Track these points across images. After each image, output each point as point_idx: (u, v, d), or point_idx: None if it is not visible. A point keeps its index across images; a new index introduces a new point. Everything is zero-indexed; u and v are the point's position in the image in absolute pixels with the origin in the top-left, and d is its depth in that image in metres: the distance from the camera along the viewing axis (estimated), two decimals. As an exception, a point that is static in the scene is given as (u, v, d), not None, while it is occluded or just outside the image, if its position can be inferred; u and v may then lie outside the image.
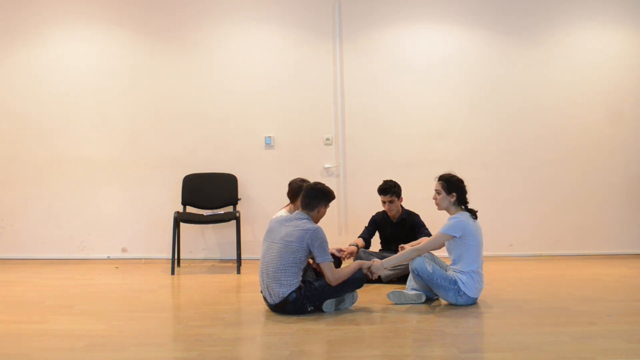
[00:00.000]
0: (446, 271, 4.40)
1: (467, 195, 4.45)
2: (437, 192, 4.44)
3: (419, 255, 4.40)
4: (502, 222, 6.39)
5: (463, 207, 4.43)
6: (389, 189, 5.30)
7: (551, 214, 6.44)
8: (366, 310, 4.33)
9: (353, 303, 4.36)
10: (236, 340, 3.66)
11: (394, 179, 5.36)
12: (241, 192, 6.27)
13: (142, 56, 6.44)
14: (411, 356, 3.37)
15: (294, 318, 4.07)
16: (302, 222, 4.19)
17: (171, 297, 5.06)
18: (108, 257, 6.40)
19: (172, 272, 5.67)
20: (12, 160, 6.44)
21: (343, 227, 6.24)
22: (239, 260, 5.78)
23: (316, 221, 4.28)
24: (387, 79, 6.35)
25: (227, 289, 5.10)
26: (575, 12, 6.46)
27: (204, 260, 6.40)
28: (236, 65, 6.42)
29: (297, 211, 4.34)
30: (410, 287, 4.53)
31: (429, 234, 5.14)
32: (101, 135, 6.42)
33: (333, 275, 4.15)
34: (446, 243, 4.42)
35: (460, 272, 4.34)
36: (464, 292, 4.31)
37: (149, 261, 6.29)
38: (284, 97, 6.41)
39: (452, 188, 4.39)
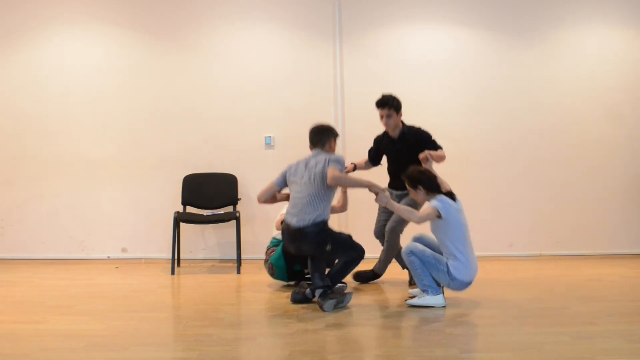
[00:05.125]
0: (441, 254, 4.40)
1: (441, 181, 4.48)
2: (408, 190, 4.54)
3: (412, 219, 4.39)
4: (502, 222, 6.39)
5: (438, 193, 4.40)
6: (387, 102, 4.95)
7: (551, 214, 6.44)
8: (366, 310, 4.33)
9: (349, 301, 4.40)
10: (236, 340, 3.66)
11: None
12: (241, 192, 6.27)
13: (142, 56, 6.44)
14: (411, 356, 3.37)
15: (293, 318, 4.08)
16: (323, 155, 4.48)
17: (171, 297, 5.06)
18: (108, 257, 6.40)
19: (172, 272, 5.67)
20: (12, 160, 6.44)
21: (343, 226, 6.24)
22: (239, 260, 5.78)
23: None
24: (387, 78, 6.35)
25: (227, 289, 5.10)
26: (576, 12, 6.46)
27: (204, 260, 6.40)
28: (236, 65, 6.42)
29: (312, 152, 4.58)
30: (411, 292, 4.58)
31: (437, 146, 4.94)
32: (101, 135, 6.42)
33: (335, 174, 4.29)
34: (432, 228, 4.40)
35: (450, 256, 4.33)
36: (455, 277, 4.29)
37: (149, 261, 6.30)
38: (284, 96, 6.41)
39: (415, 183, 4.42)
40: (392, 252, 5.06)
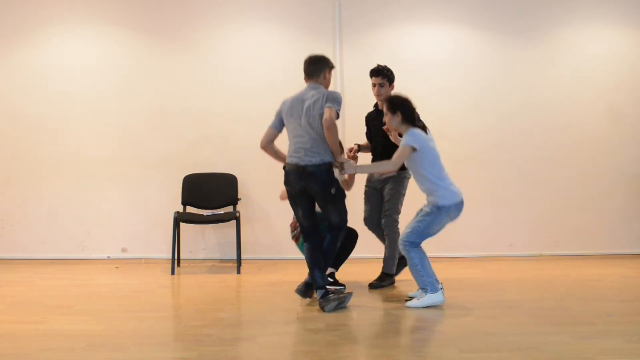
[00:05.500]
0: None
1: (417, 113, 4.44)
2: (385, 114, 4.46)
3: (389, 168, 4.42)
4: (502, 222, 6.39)
5: (412, 125, 4.40)
6: (381, 71, 5.01)
7: (551, 214, 6.44)
8: (366, 310, 4.33)
9: (349, 301, 4.39)
10: (236, 340, 3.66)
11: None
12: (241, 192, 6.27)
13: (142, 56, 6.44)
14: (411, 356, 3.37)
15: (293, 318, 4.08)
16: (318, 90, 4.38)
17: (171, 297, 5.06)
18: (108, 257, 6.40)
19: (172, 272, 5.67)
20: (12, 160, 6.43)
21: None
22: (239, 260, 5.78)
23: (327, 87, 4.48)
24: (387, 79, 6.34)
25: (227, 289, 5.10)
26: (576, 12, 6.46)
27: (204, 260, 6.39)
28: (236, 65, 6.42)
29: (307, 85, 4.49)
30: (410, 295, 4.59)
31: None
32: (101, 135, 6.42)
33: (331, 116, 4.17)
34: (410, 165, 4.40)
35: (431, 190, 4.33)
36: (447, 205, 4.31)
37: (149, 261, 6.29)
38: (283, 96, 6.37)
39: (395, 107, 4.39)
40: (395, 245, 4.96)
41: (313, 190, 4.35)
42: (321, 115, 4.26)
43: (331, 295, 4.30)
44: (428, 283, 4.35)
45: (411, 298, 4.51)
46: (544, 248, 6.43)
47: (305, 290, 4.49)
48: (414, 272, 4.39)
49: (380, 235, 5.11)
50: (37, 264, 6.16)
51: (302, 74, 6.61)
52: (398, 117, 4.39)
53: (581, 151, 6.45)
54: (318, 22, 6.41)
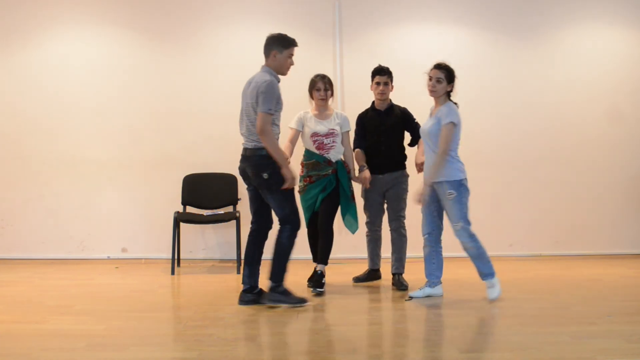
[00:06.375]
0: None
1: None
2: (438, 80, 4.46)
3: (446, 157, 4.41)
4: (501, 222, 6.38)
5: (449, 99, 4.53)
6: (386, 70, 5.04)
7: (551, 213, 6.44)
8: (366, 310, 4.33)
9: (297, 305, 4.32)
10: (236, 340, 3.66)
11: None
12: (241, 192, 6.26)
13: (143, 56, 6.44)
14: (411, 356, 3.37)
15: (294, 318, 4.08)
16: (259, 75, 4.32)
17: (171, 297, 5.06)
18: (108, 257, 6.40)
19: (172, 272, 5.67)
20: (12, 160, 6.44)
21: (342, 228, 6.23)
22: (239, 260, 5.78)
23: (278, 70, 4.37)
24: (387, 79, 6.35)
25: (227, 289, 5.09)
26: (576, 12, 6.47)
27: (204, 260, 6.39)
28: (236, 65, 6.39)
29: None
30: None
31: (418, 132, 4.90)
32: (101, 135, 6.42)
33: (261, 126, 4.15)
34: (432, 140, 4.46)
35: (450, 164, 4.41)
36: (463, 178, 4.40)
37: (149, 261, 6.29)
38: (283, 96, 6.38)
39: (452, 78, 4.49)
40: (405, 244, 5.02)
41: (250, 174, 4.38)
42: (253, 107, 4.27)
43: (278, 290, 4.32)
44: (491, 268, 4.45)
45: (411, 298, 4.51)
46: (544, 248, 6.43)
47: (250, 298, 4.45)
48: (482, 259, 4.44)
49: (379, 238, 5.14)
50: (37, 264, 6.16)
51: (301, 74, 6.63)
52: (449, 88, 4.46)
53: (581, 151, 6.45)
54: (318, 22, 6.41)
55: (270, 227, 4.51)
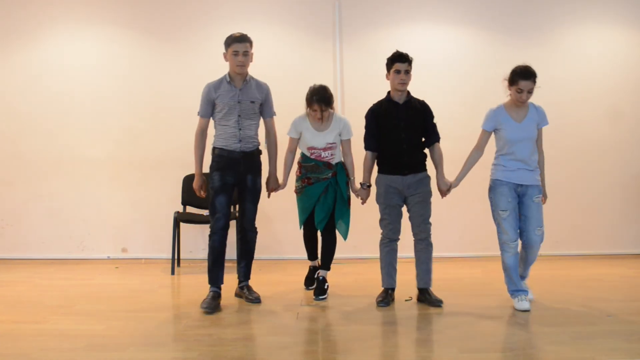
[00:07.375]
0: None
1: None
2: (530, 91, 4.54)
3: (477, 158, 4.59)
4: (502, 222, 6.37)
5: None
6: (407, 56, 4.50)
7: (551, 214, 6.38)
8: (366, 310, 4.33)
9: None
10: (236, 340, 3.66)
11: None
12: (241, 192, 6.26)
13: (143, 56, 6.45)
14: (411, 356, 3.37)
15: (293, 317, 4.07)
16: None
17: (171, 297, 5.06)
18: (108, 257, 6.40)
19: (172, 272, 5.67)
20: (12, 160, 6.44)
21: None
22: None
23: (230, 69, 4.59)
24: (387, 79, 6.35)
25: (227, 289, 5.09)
26: (576, 12, 6.47)
27: (204, 260, 6.32)
28: (236, 65, 6.41)
29: None
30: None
31: (436, 132, 4.66)
32: (101, 135, 6.42)
33: (197, 128, 4.71)
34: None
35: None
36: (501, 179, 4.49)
37: (149, 261, 6.30)
38: (283, 97, 6.37)
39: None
40: (432, 253, 4.48)
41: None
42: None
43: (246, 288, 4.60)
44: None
45: (411, 298, 4.51)
46: (544, 248, 6.36)
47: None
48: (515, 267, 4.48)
49: (397, 249, 4.58)
50: (37, 264, 6.16)
51: (301, 74, 6.63)
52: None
53: (581, 151, 6.45)
54: (318, 22, 6.41)
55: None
